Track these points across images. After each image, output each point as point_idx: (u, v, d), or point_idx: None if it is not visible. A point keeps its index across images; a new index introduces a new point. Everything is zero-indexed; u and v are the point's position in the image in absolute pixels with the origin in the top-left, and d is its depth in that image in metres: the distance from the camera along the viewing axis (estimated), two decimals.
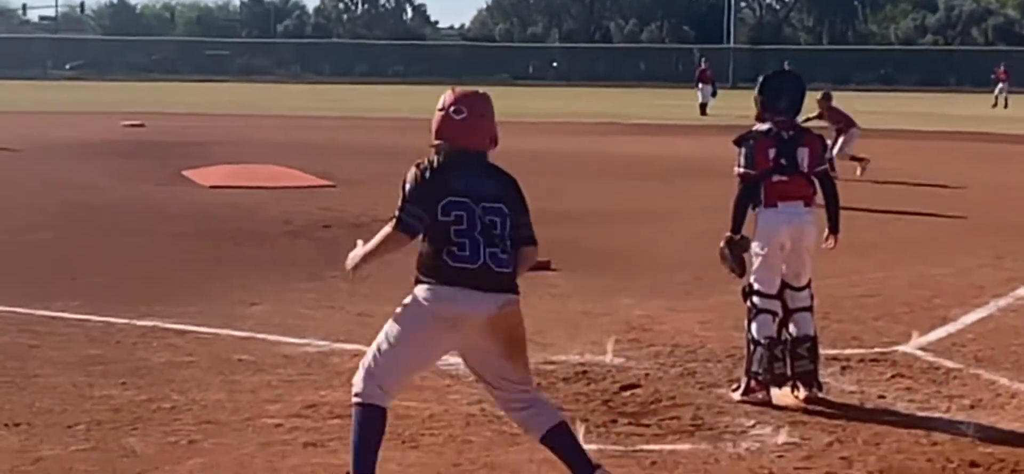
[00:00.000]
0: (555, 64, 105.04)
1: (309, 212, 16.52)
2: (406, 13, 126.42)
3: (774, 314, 7.48)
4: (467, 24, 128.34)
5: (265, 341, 8.86)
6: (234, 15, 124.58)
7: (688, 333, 9.31)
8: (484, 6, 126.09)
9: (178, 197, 18.39)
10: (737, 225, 7.55)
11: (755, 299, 7.50)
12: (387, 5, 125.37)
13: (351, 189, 19.46)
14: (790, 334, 7.53)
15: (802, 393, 7.43)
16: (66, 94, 57.45)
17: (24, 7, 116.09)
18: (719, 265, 7.75)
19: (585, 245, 14.02)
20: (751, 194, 7.47)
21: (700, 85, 48.31)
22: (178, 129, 33.35)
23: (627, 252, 13.79)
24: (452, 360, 8.18)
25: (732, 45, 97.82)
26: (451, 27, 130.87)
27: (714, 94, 48.27)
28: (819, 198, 7.63)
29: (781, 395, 7.43)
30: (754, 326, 7.49)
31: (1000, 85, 61.70)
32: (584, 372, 8.03)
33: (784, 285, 7.53)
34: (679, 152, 28.66)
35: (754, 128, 7.62)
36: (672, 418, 7.07)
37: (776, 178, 7.43)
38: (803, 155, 7.47)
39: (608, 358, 8.38)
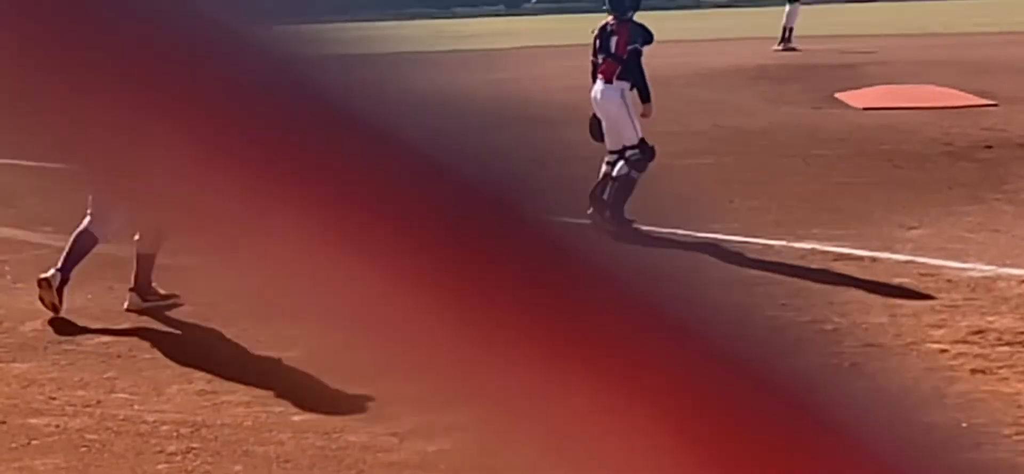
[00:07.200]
0: None
1: (969, 132, 15.81)
2: None
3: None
4: None
5: (926, 265, 8.61)
6: None
7: None
8: None
9: (831, 119, 18.28)
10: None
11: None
12: None
13: (1014, 108, 18.41)
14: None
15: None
16: (715, 22, 58.99)
17: None
18: None
19: None
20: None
21: None
22: (829, 52, 33.16)
23: None
24: None
25: None
26: None
27: None
28: None
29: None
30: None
31: None
32: None
33: None
34: None
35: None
36: None
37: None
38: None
39: None
